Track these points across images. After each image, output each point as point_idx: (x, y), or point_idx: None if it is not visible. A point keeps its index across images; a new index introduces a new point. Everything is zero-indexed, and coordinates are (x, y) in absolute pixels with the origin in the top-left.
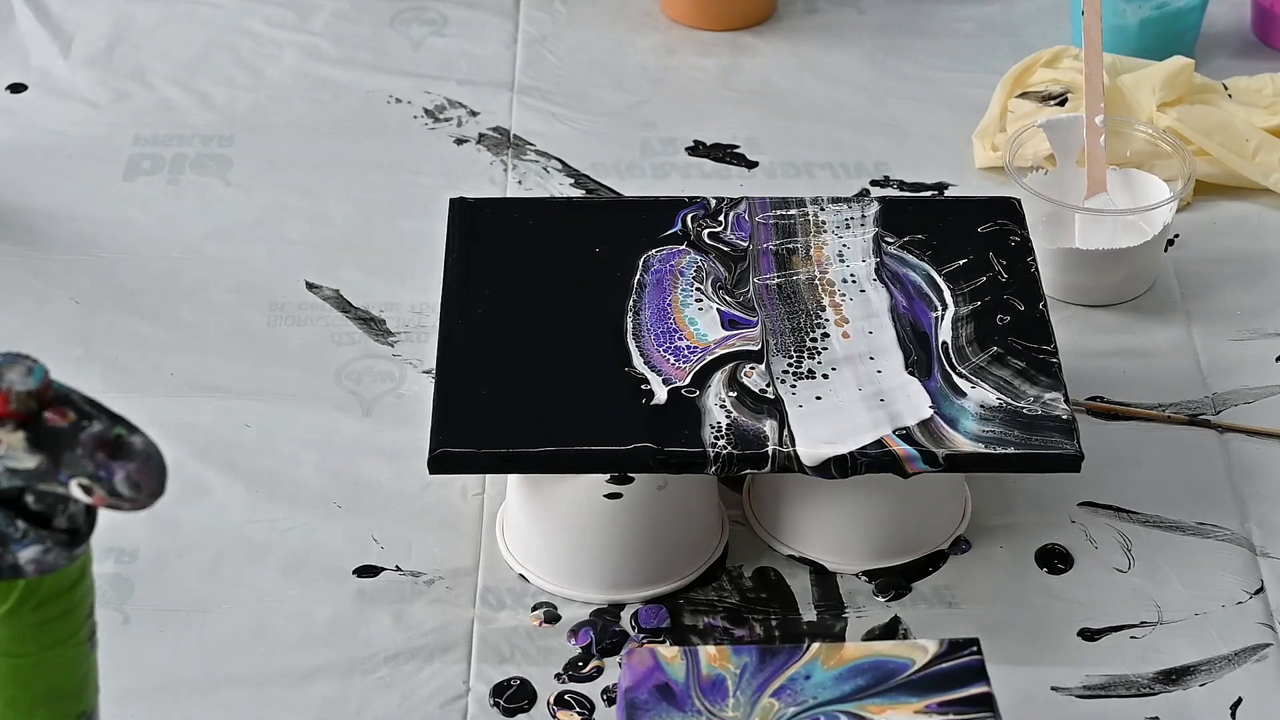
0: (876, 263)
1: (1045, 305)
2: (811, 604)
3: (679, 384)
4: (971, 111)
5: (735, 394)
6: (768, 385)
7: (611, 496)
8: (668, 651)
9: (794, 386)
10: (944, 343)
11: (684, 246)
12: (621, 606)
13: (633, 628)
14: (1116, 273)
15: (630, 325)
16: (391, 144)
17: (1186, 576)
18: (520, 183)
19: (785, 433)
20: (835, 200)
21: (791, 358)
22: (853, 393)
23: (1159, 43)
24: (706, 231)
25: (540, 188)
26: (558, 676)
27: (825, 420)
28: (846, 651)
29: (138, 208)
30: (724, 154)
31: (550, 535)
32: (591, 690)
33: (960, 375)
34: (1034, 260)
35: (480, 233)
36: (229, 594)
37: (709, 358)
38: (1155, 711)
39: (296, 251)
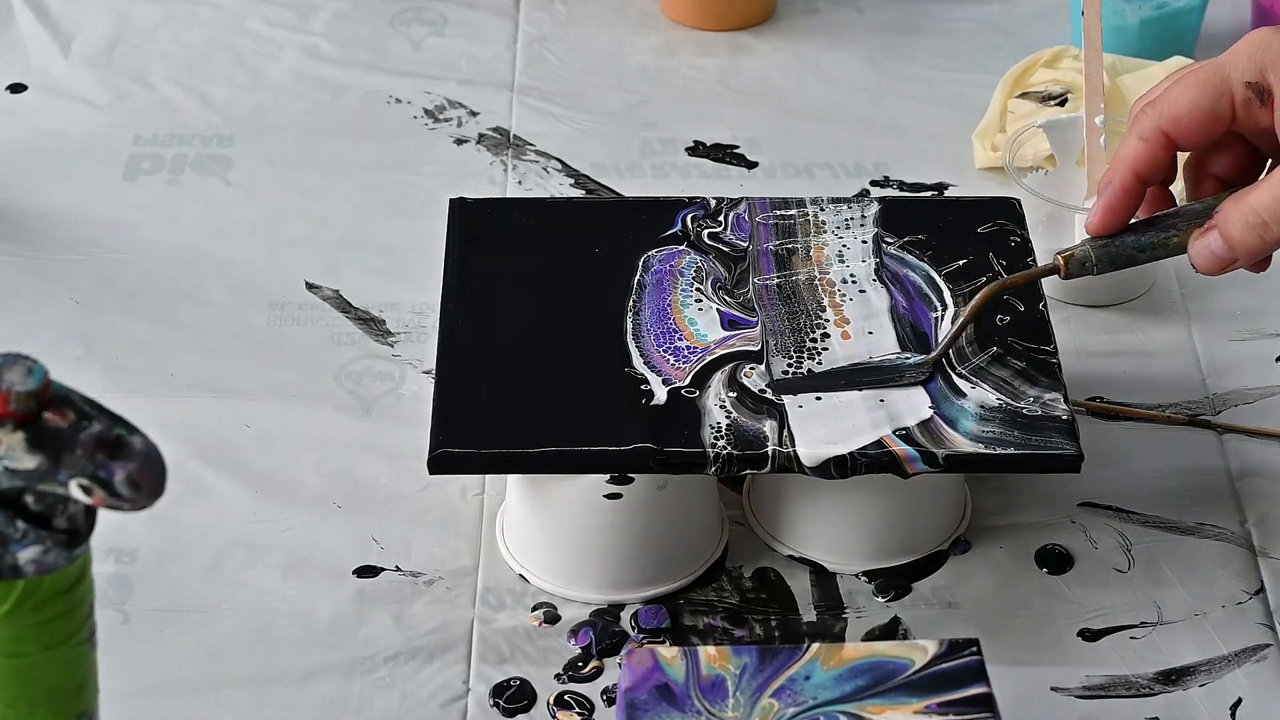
0: (876, 263)
1: (1045, 305)
2: (811, 604)
3: (679, 384)
4: (971, 111)
5: (735, 394)
6: (768, 385)
7: (611, 497)
8: (667, 652)
9: None
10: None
11: (684, 247)
12: (621, 607)
13: (633, 628)
14: (1116, 273)
15: (630, 325)
16: (391, 144)
17: (1186, 576)
18: (520, 183)
19: (785, 433)
20: (835, 200)
21: (791, 358)
22: (852, 393)
23: (1159, 43)
24: (706, 232)
25: (540, 188)
26: (557, 677)
27: (825, 421)
28: (846, 652)
29: (138, 208)
30: (724, 154)
31: (550, 535)
32: (591, 690)
33: (960, 375)
34: (1034, 260)
35: (480, 233)
36: (229, 594)
37: (709, 358)
38: (1155, 712)
39: (296, 251)
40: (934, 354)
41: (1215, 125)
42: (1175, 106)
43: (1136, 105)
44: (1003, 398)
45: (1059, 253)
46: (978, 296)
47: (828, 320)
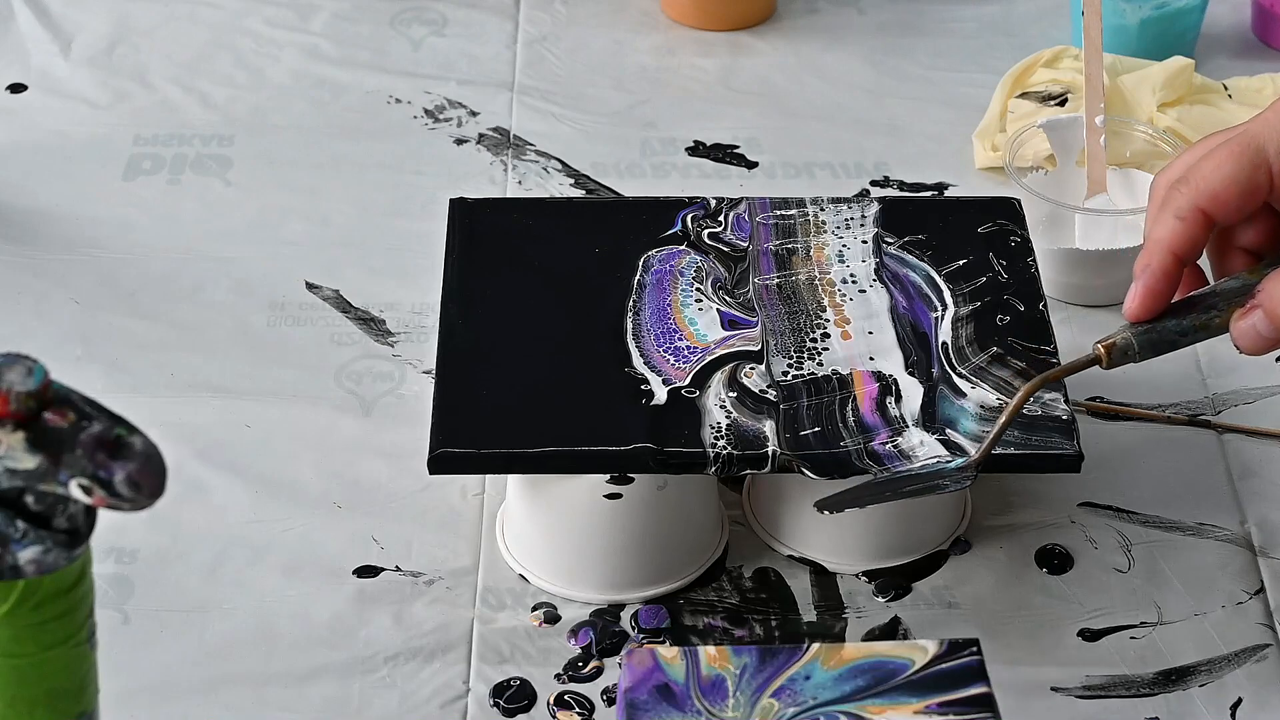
0: (876, 263)
1: (1045, 305)
2: (811, 604)
3: (679, 384)
4: (971, 111)
5: (735, 394)
6: (768, 386)
7: (611, 497)
8: (668, 652)
9: None
10: (944, 343)
11: (684, 247)
12: (621, 607)
13: (633, 628)
14: (1116, 273)
15: (630, 325)
16: (391, 144)
17: (1186, 576)
18: (520, 183)
19: (785, 433)
20: (835, 200)
21: (791, 358)
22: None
23: (1159, 43)
24: (706, 232)
25: (540, 188)
26: (558, 677)
27: None
28: (846, 652)
29: (138, 208)
30: (724, 154)
31: (550, 535)
32: (591, 690)
33: (960, 375)
34: (1034, 260)
35: (480, 233)
36: (229, 594)
37: (709, 358)
38: (1155, 711)
39: (296, 251)
40: (976, 456)
41: (1253, 199)
42: (1211, 183)
43: (1160, 181)
44: (1003, 398)
45: (1099, 342)
46: (1020, 394)
47: (828, 320)
